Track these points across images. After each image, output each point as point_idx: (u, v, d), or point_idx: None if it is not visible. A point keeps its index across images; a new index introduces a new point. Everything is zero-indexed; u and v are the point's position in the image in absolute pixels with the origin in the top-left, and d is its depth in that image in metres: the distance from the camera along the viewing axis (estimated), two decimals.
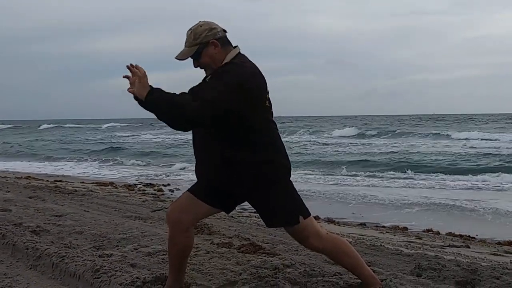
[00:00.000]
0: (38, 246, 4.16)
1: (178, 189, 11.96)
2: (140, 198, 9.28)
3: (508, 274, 3.62)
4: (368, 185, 13.51)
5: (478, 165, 17.97)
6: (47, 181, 12.28)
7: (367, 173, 16.27)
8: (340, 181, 14.47)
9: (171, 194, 11.22)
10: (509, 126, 45.06)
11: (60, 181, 12.67)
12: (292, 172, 2.99)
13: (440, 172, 16.05)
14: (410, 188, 12.85)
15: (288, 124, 55.62)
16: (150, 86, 2.60)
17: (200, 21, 2.90)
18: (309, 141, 33.09)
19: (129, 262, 3.74)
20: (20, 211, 6.22)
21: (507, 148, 23.70)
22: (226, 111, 2.64)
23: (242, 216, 7.54)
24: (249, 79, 2.73)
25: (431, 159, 20.25)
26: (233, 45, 2.92)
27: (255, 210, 3.05)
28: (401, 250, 4.80)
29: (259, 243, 4.53)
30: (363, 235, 6.39)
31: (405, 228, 7.72)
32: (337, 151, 25.84)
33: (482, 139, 28.82)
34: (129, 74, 2.62)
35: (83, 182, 12.91)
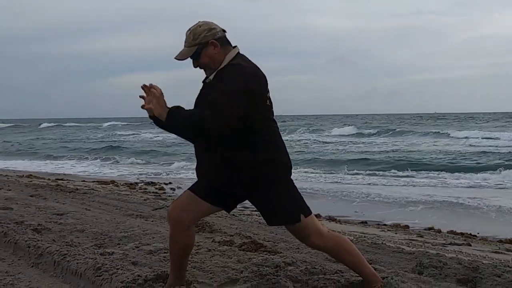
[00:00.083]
0: (40, 244, 4.17)
1: (179, 188, 11.96)
2: (141, 197, 9.28)
3: (510, 272, 3.61)
4: (369, 183, 13.53)
5: (479, 163, 17.98)
6: (49, 179, 12.29)
7: (367, 172, 16.26)
8: (341, 180, 14.48)
9: (173, 193, 11.21)
10: (509, 125, 45.06)
11: (61, 179, 12.67)
12: (292, 171, 2.99)
13: (441, 170, 16.09)
14: (412, 187, 12.86)
15: (289, 123, 55.59)
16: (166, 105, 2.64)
17: (199, 21, 2.89)
18: (309, 139, 33.10)
19: (130, 260, 3.74)
20: (22, 210, 6.23)
21: (507, 146, 23.74)
22: (239, 118, 2.66)
23: (243, 214, 7.55)
24: (250, 80, 2.72)
25: (431, 157, 20.27)
26: (233, 45, 2.92)
27: (256, 209, 3.06)
28: (403, 248, 4.80)
29: (260, 241, 4.54)
30: (364, 233, 6.39)
31: (407, 226, 7.72)
32: (338, 149, 25.87)
33: (483, 138, 28.83)
34: (144, 93, 2.68)
35: (84, 181, 12.92)
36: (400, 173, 15.79)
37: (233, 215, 6.76)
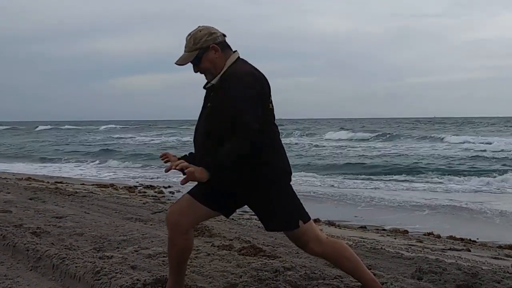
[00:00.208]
0: (39, 247, 4.16)
1: (179, 191, 11.91)
2: (140, 200, 9.28)
3: (510, 278, 3.61)
4: (368, 188, 13.54)
5: (476, 168, 18.10)
6: (48, 182, 12.27)
7: (363, 176, 16.29)
8: (339, 184, 14.49)
9: (172, 196, 11.19)
10: (506, 130, 45.21)
11: (60, 182, 12.66)
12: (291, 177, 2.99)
13: (440, 175, 16.12)
14: (411, 191, 12.90)
15: (285, 127, 55.65)
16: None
17: (199, 26, 2.89)
18: (306, 143, 33.17)
19: (129, 264, 3.73)
20: (21, 213, 6.21)
21: (501, 151, 24.00)
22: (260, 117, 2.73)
23: (243, 218, 7.55)
24: (257, 83, 2.75)
25: (428, 162, 20.33)
26: (233, 48, 2.92)
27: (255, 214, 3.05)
28: (402, 253, 4.80)
29: (259, 245, 4.53)
30: (363, 238, 6.39)
31: (406, 231, 7.72)
32: (334, 153, 25.94)
33: (480, 143, 28.90)
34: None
35: (83, 184, 12.90)
36: (398, 177, 15.81)
37: (233, 219, 6.76)
